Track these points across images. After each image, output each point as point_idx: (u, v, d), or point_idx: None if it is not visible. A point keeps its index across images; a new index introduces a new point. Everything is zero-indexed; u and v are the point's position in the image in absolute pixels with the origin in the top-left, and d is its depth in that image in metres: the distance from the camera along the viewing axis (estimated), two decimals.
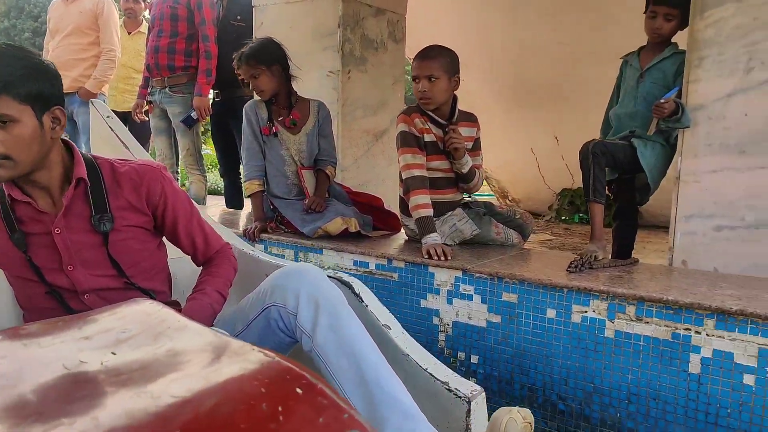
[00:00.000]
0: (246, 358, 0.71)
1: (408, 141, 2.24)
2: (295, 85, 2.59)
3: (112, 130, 2.08)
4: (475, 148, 2.39)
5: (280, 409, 0.59)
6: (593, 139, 2.27)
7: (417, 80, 2.21)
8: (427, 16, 4.29)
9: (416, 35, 4.21)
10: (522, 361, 1.91)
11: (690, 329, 1.64)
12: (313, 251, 2.37)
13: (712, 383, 1.62)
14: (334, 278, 1.54)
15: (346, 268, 2.28)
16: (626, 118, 2.44)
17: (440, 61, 2.18)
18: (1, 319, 1.54)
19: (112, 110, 3.82)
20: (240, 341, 0.80)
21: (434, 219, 2.29)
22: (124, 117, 4.10)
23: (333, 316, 1.23)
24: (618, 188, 2.56)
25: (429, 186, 2.27)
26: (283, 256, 2.44)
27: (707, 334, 1.62)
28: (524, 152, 5.14)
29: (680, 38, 2.40)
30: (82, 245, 1.33)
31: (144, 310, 0.93)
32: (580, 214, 5.36)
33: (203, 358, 0.73)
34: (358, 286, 1.53)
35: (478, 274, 1.97)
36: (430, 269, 2.07)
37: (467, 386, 1.30)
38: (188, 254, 1.53)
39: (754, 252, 2.13)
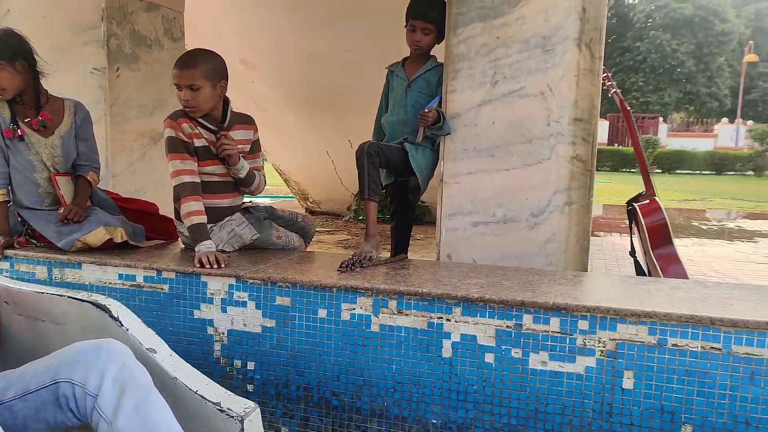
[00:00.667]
0: None
1: (176, 146, 2.14)
2: (45, 83, 2.33)
3: None
4: (254, 150, 2.36)
5: None
6: (368, 141, 2.39)
7: (179, 89, 2.11)
8: (211, 16, 4.16)
9: (200, 35, 4.06)
10: (297, 363, 1.94)
11: (442, 318, 1.80)
12: (71, 266, 2.15)
13: (461, 364, 1.80)
14: (89, 301, 1.45)
15: (109, 284, 2.10)
16: (399, 125, 2.60)
17: (201, 69, 2.10)
18: None
19: None
20: None
21: (212, 225, 2.22)
22: None
23: (140, 399, 1.16)
24: (393, 190, 2.73)
25: (205, 191, 2.20)
26: (33, 274, 2.18)
27: (456, 321, 1.79)
28: (321, 155, 5.25)
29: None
30: None
31: None
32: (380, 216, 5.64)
33: None
34: (117, 308, 1.44)
35: (251, 280, 1.95)
36: (203, 278, 2.01)
37: (240, 404, 1.28)
38: None
39: (503, 244, 2.42)
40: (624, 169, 20.52)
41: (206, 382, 1.35)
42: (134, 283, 2.08)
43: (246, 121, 2.34)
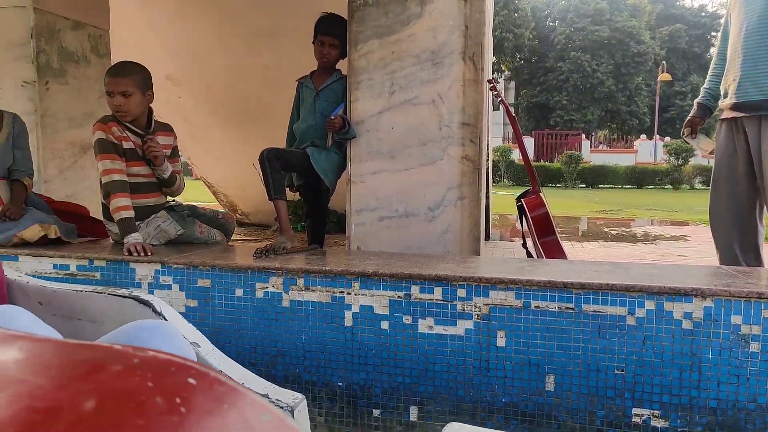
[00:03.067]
0: (112, 354, 0.61)
1: (106, 148, 2.37)
2: None
3: None
4: (174, 155, 2.61)
5: (178, 401, 0.53)
6: (268, 147, 2.69)
7: (111, 95, 2.35)
8: (137, 34, 4.37)
9: (125, 51, 4.26)
10: (218, 338, 2.18)
11: (344, 292, 2.10)
12: (8, 258, 2.34)
13: (361, 332, 2.09)
14: (131, 297, 1.45)
15: (45, 273, 2.30)
16: (308, 130, 2.91)
17: (133, 78, 2.35)
18: None
19: None
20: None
21: (140, 222, 2.45)
22: None
23: None
24: (305, 191, 3.03)
25: (132, 191, 2.43)
26: None
27: (355, 294, 2.09)
28: (248, 167, 5.48)
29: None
30: None
31: None
32: (303, 223, 5.89)
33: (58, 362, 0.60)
34: (160, 304, 1.44)
35: (175, 265, 2.20)
36: (131, 265, 2.24)
37: (288, 395, 1.29)
38: None
39: (405, 236, 2.75)
40: (550, 184, 21.44)
41: (250, 375, 1.37)
42: (68, 272, 2.28)
43: (167, 128, 2.60)
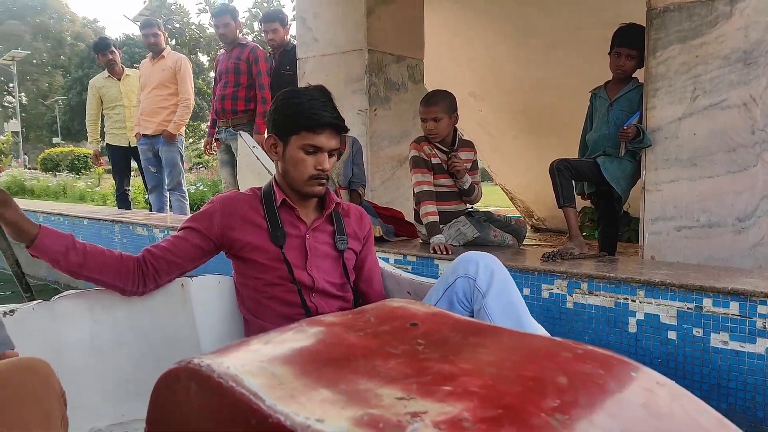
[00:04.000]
0: (558, 345, 0.71)
1: (418, 163, 2.82)
2: None
3: (257, 159, 2.58)
4: (473, 168, 2.94)
5: (635, 390, 0.59)
6: (557, 159, 2.80)
7: (425, 121, 2.78)
8: (444, 59, 4.92)
9: (436, 73, 4.85)
10: None
11: (628, 298, 2.13)
12: None
13: (646, 339, 2.09)
14: None
15: None
16: (600, 140, 2.95)
17: (441, 105, 2.74)
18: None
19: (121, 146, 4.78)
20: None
21: (441, 225, 2.84)
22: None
23: (502, 285, 1.51)
24: (597, 199, 3.06)
25: (437, 199, 2.83)
26: None
27: (640, 302, 2.10)
28: (543, 174, 5.63)
29: (639, 74, 2.92)
30: (321, 254, 1.63)
31: (404, 307, 0.95)
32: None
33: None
34: None
35: None
36: (435, 261, 2.63)
37: None
38: (363, 291, 1.80)
39: (708, 247, 2.59)
40: None
41: None
42: (387, 264, 2.79)
43: (469, 145, 2.94)
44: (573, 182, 2.78)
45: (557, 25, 4.26)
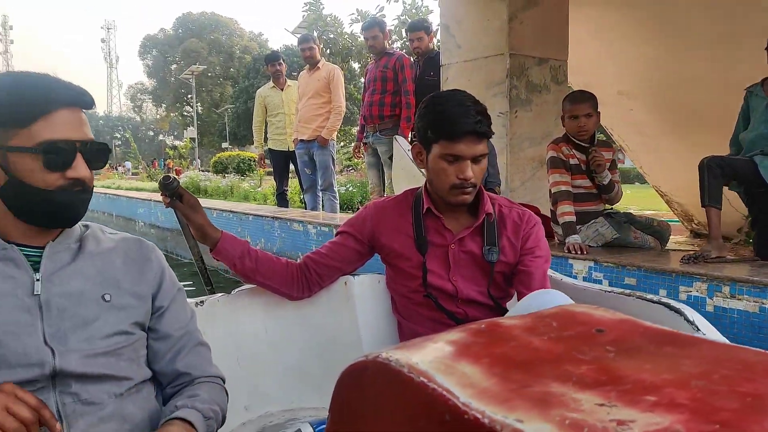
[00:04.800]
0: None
1: (556, 164, 2.89)
2: None
3: (412, 160, 2.74)
4: (612, 167, 2.93)
5: None
6: (709, 155, 2.70)
7: (576, 118, 2.83)
8: (590, 58, 4.82)
9: (579, 75, 4.79)
10: None
11: None
12: None
13: None
14: (661, 303, 1.42)
15: None
16: (756, 139, 2.80)
17: (592, 102, 2.82)
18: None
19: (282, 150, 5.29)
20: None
21: (580, 226, 2.88)
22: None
23: None
24: (751, 200, 2.90)
25: (574, 199, 2.88)
26: None
27: None
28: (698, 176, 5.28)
29: None
30: (468, 263, 1.55)
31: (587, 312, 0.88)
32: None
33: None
34: (691, 313, 1.39)
35: (606, 263, 2.54)
36: (570, 261, 2.68)
37: None
38: (519, 292, 1.56)
39: None
40: None
41: None
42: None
43: (607, 145, 2.96)
44: (722, 182, 2.68)
45: (716, 19, 4.03)
